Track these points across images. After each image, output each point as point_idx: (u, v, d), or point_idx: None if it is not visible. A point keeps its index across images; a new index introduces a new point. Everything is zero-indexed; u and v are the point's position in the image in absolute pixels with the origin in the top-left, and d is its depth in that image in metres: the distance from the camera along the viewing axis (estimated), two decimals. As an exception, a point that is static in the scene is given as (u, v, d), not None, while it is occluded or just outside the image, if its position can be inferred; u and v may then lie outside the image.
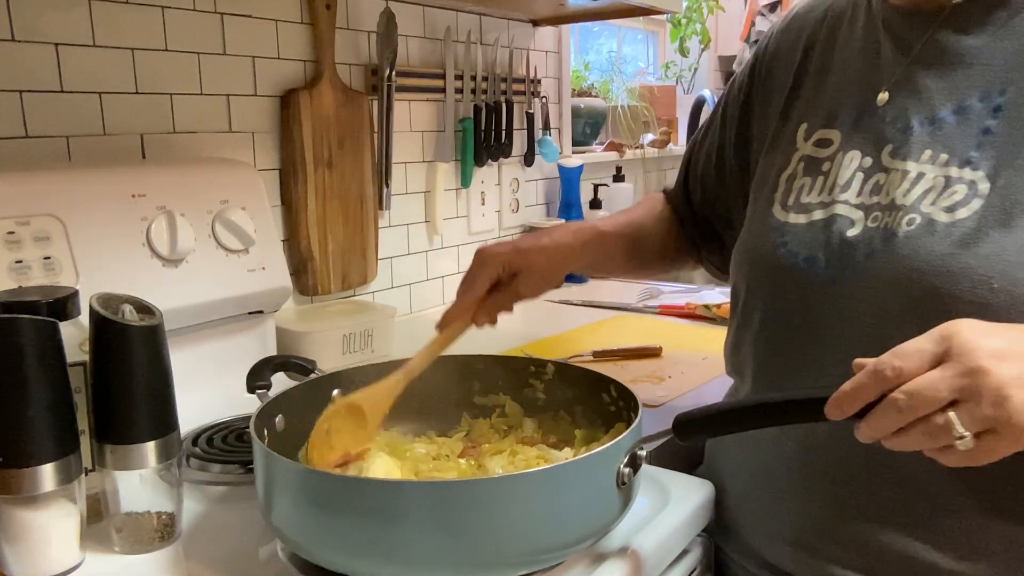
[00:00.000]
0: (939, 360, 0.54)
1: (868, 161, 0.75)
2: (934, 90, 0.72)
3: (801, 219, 0.78)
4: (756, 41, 0.96)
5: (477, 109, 1.62)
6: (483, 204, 1.71)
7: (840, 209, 0.75)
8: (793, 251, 0.77)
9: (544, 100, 1.82)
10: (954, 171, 0.69)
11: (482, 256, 0.86)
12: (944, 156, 0.70)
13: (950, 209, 0.67)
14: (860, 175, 0.75)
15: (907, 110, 0.73)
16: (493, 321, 0.86)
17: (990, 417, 0.53)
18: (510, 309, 0.88)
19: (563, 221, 1.83)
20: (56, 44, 1.02)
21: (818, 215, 0.76)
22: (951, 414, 0.53)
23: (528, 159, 1.80)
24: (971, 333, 0.54)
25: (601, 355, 1.26)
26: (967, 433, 0.53)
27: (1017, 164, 0.66)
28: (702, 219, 1.01)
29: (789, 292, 0.77)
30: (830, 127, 0.80)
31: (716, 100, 1.00)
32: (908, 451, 0.56)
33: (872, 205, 0.73)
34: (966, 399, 0.53)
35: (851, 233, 0.73)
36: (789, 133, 0.84)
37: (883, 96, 0.75)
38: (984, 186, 0.67)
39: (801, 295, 0.76)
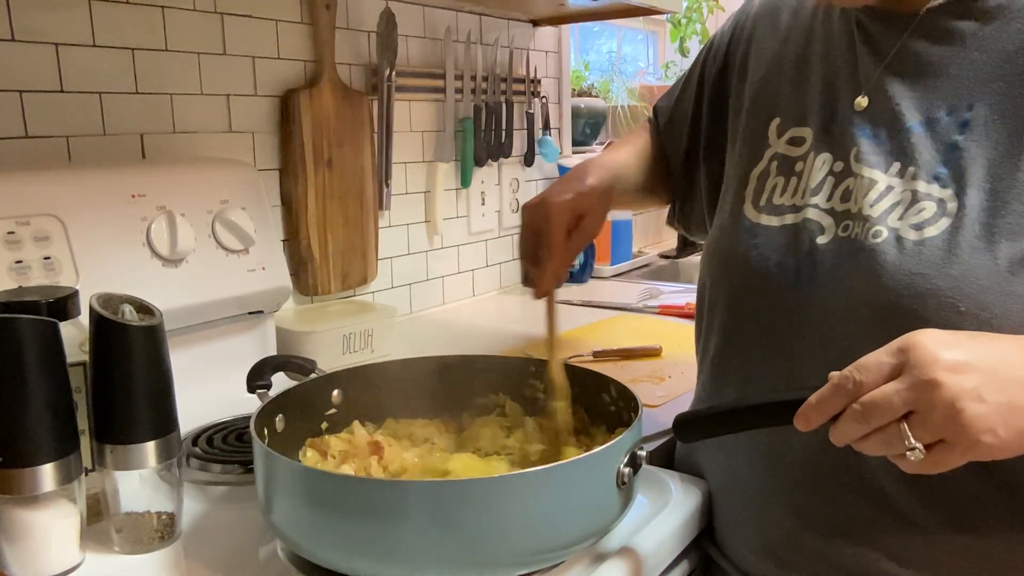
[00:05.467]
0: (897, 372, 0.54)
1: (839, 165, 0.74)
2: (904, 99, 0.71)
3: (773, 221, 0.77)
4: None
5: (477, 109, 1.62)
6: (483, 204, 1.71)
7: (811, 213, 0.74)
8: (764, 254, 0.76)
9: (544, 100, 1.82)
10: (922, 186, 0.68)
11: (545, 210, 0.81)
12: (912, 169, 0.69)
13: (918, 226, 0.67)
14: (831, 179, 0.74)
15: (878, 117, 0.72)
16: (568, 270, 0.85)
17: (942, 429, 0.53)
18: (575, 256, 0.86)
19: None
20: (56, 44, 1.02)
21: (789, 219, 0.76)
22: (903, 426, 0.54)
23: (528, 159, 1.80)
24: (930, 345, 0.54)
25: (601, 355, 1.26)
26: (917, 445, 0.54)
27: (985, 185, 0.65)
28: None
29: (757, 295, 0.77)
30: (803, 125, 0.79)
31: (691, 65, 0.99)
32: (877, 462, 0.56)
33: (842, 212, 0.72)
34: (919, 411, 0.53)
35: (821, 240, 0.72)
36: (760, 126, 0.83)
37: (862, 101, 0.74)
38: (952, 205, 0.66)
39: (769, 299, 0.75)
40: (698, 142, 0.95)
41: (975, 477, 0.64)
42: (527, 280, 0.84)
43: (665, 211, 1.06)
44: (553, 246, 0.81)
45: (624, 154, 0.96)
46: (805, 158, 0.77)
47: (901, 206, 0.68)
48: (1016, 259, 0.63)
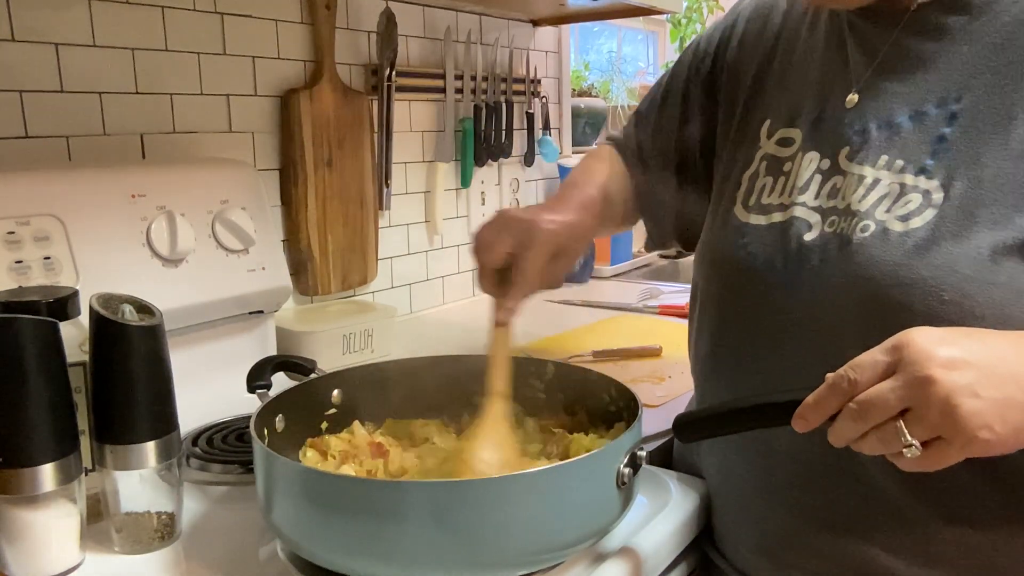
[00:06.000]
0: (892, 370, 0.54)
1: (826, 163, 0.74)
2: (893, 94, 0.71)
3: (761, 220, 0.77)
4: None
5: (477, 109, 1.62)
6: (483, 204, 1.71)
7: (798, 211, 0.74)
8: (753, 253, 0.76)
9: (544, 100, 1.82)
10: (909, 179, 0.68)
11: (533, 233, 0.77)
12: (900, 163, 0.69)
13: (904, 218, 0.67)
14: (818, 177, 0.74)
15: (866, 113, 0.73)
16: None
17: (938, 425, 0.53)
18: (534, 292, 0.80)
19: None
20: (56, 44, 1.02)
21: (777, 217, 0.76)
22: (900, 423, 0.54)
23: (528, 159, 1.80)
24: (924, 342, 0.54)
25: (601, 355, 1.26)
26: (914, 442, 0.54)
27: (971, 175, 0.65)
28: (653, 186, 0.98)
29: (747, 294, 0.77)
30: (792, 126, 0.79)
31: (671, 71, 0.96)
32: (871, 457, 0.57)
33: (829, 209, 0.72)
34: (915, 408, 0.53)
35: (808, 237, 0.72)
36: (753, 129, 0.83)
37: (853, 98, 0.74)
38: (938, 196, 0.66)
39: (758, 298, 0.75)
40: (690, 149, 0.93)
41: (969, 470, 0.64)
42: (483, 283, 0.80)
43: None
44: (529, 274, 0.78)
45: (605, 174, 0.93)
46: (793, 158, 0.77)
47: (889, 199, 0.69)
48: (999, 248, 0.63)
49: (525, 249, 0.79)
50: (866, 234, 0.68)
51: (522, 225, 0.79)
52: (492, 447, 0.74)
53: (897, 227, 0.67)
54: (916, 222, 0.66)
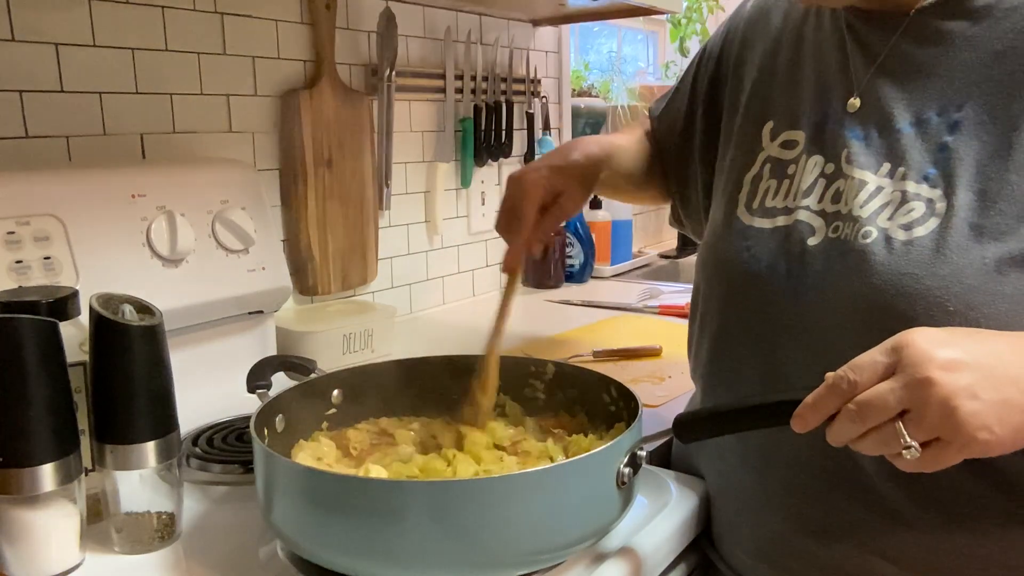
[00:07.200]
0: (891, 371, 0.54)
1: (830, 167, 0.74)
2: (895, 100, 0.71)
3: (765, 224, 0.77)
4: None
5: (477, 109, 1.62)
6: (483, 204, 1.71)
7: (802, 215, 0.74)
8: (757, 256, 0.76)
9: (544, 100, 1.82)
10: (911, 186, 0.68)
11: (522, 184, 0.83)
12: (902, 170, 0.69)
13: (907, 227, 0.67)
14: (822, 181, 0.74)
15: (869, 119, 0.72)
16: (548, 245, 0.85)
17: (937, 427, 0.53)
18: (558, 231, 0.86)
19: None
20: (56, 44, 1.02)
21: (781, 221, 0.76)
22: (899, 424, 0.54)
23: (528, 159, 1.79)
24: (923, 343, 0.54)
25: (601, 355, 1.26)
26: (913, 444, 0.54)
27: (974, 186, 0.65)
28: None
29: (749, 298, 0.77)
30: (796, 128, 0.79)
31: (689, 65, 0.99)
32: (872, 464, 0.56)
33: (833, 214, 0.72)
34: (914, 409, 0.53)
35: (812, 242, 0.72)
36: (753, 129, 0.83)
37: (855, 102, 0.74)
38: (941, 205, 0.66)
39: (761, 302, 0.75)
40: (692, 143, 0.94)
41: (970, 476, 0.64)
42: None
43: (657, 210, 1.06)
44: (524, 221, 0.82)
45: (623, 139, 0.96)
46: (797, 160, 0.77)
47: (891, 206, 0.68)
48: (1004, 259, 0.63)
49: (520, 200, 0.83)
50: (868, 240, 0.68)
51: (515, 182, 0.84)
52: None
53: (900, 236, 0.67)
54: (920, 231, 0.66)
